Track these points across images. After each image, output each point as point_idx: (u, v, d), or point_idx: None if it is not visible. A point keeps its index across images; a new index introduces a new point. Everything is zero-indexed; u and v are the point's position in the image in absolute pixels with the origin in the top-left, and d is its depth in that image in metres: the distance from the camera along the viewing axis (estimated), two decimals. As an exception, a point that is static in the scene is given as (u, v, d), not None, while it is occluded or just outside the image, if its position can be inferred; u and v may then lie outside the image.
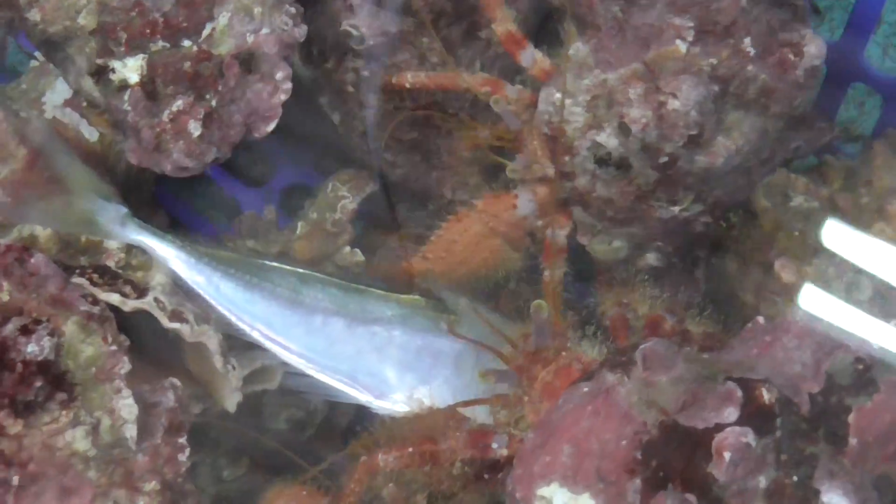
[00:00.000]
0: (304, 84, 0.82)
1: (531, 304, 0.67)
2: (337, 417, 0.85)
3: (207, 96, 0.71)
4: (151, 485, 0.62)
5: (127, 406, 0.62)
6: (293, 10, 0.73)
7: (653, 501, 0.53)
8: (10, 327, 0.60)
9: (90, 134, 0.80)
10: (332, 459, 0.70)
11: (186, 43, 0.71)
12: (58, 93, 0.82)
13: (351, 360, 0.76)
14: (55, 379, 0.61)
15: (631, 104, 0.67)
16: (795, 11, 0.69)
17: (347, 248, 0.83)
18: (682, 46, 0.67)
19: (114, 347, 0.63)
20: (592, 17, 0.70)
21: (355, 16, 0.77)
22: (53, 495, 0.59)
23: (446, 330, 0.74)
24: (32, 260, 0.63)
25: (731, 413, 0.54)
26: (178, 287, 0.74)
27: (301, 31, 0.73)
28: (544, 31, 0.77)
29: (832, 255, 0.69)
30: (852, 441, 0.54)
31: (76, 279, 0.68)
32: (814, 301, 0.69)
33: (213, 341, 0.72)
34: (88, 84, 0.73)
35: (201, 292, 0.74)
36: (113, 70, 0.71)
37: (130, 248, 0.74)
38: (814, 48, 0.68)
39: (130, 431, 0.62)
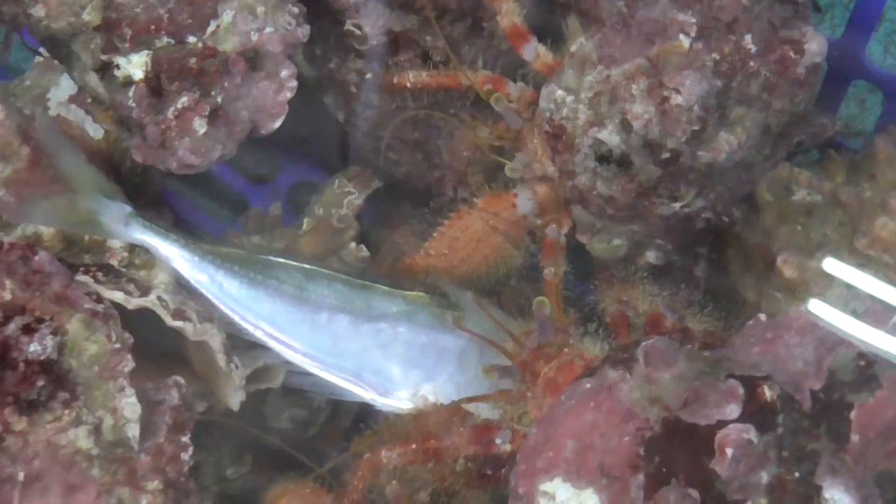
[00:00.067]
0: (308, 83, 0.82)
1: (533, 301, 0.67)
2: (340, 416, 0.85)
3: (213, 93, 0.71)
4: (155, 483, 0.62)
5: (130, 405, 0.63)
6: (296, 9, 0.73)
7: (656, 497, 0.53)
8: (13, 326, 0.60)
9: (95, 131, 0.80)
10: (337, 460, 0.70)
11: (191, 39, 0.71)
12: (62, 89, 0.82)
13: (356, 358, 0.76)
14: (57, 378, 0.61)
15: (633, 100, 0.67)
16: (797, 9, 0.69)
17: (353, 244, 0.83)
18: (685, 42, 0.67)
19: (118, 345, 0.63)
20: (597, 12, 0.70)
21: (359, 15, 0.77)
22: (59, 492, 0.59)
23: (452, 325, 0.74)
24: (36, 258, 0.63)
25: (733, 410, 0.54)
26: (182, 286, 0.74)
27: (304, 31, 0.73)
28: (548, 25, 0.77)
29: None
30: (854, 437, 0.54)
31: (80, 277, 0.68)
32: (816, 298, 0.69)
33: (216, 340, 0.72)
34: (93, 80, 0.73)
35: (204, 291, 0.74)
36: (117, 66, 0.71)
37: (134, 247, 0.74)
38: (815, 45, 0.69)
39: (133, 431, 0.62)
